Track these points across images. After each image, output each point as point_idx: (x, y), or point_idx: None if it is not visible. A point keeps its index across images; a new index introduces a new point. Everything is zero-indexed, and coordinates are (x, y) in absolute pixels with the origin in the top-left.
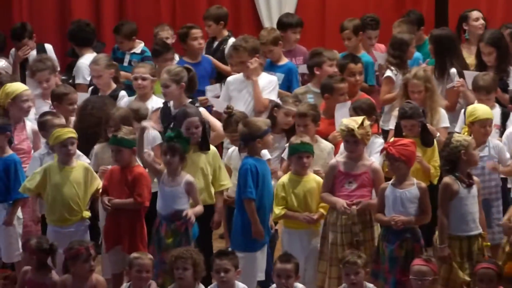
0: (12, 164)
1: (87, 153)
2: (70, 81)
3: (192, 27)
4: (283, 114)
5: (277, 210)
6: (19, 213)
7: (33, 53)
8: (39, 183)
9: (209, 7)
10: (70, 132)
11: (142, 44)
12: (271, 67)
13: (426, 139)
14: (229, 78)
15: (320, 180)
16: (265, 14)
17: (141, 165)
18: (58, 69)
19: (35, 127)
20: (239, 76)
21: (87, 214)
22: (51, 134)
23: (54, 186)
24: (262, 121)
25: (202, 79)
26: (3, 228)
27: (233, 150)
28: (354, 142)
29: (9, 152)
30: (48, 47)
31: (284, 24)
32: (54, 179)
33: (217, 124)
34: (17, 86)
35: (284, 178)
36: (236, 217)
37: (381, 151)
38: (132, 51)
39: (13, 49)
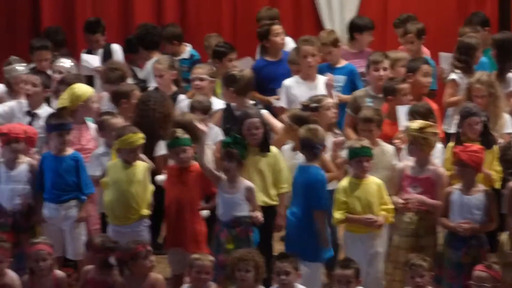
0: (78, 161)
1: (146, 148)
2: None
3: (272, 24)
4: (326, 110)
5: (338, 214)
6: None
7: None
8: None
9: (261, 9)
10: (141, 139)
11: (189, 48)
12: (329, 69)
13: (486, 140)
14: (287, 81)
15: (379, 182)
16: (326, 16)
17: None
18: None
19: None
20: (296, 78)
21: (147, 212)
22: (123, 138)
23: (116, 184)
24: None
25: (282, 77)
26: (71, 225)
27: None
28: (418, 147)
29: (72, 150)
30: (115, 47)
31: (359, 26)
32: (117, 177)
33: (279, 126)
34: (86, 88)
35: (344, 182)
36: (301, 227)
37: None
38: (180, 57)
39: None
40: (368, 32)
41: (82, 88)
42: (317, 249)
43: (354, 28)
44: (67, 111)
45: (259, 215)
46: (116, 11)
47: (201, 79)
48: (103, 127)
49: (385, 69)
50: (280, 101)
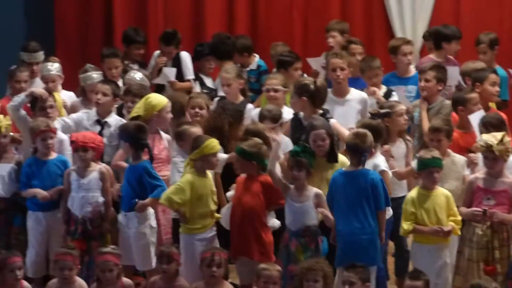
0: (143, 170)
1: None
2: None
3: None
4: (398, 116)
5: (406, 225)
6: (153, 222)
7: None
8: (188, 199)
9: (331, 20)
10: (218, 145)
11: (257, 58)
12: (399, 79)
13: None
14: None
15: (448, 193)
16: (398, 26)
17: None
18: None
19: (168, 136)
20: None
21: (218, 216)
22: (204, 145)
23: (199, 198)
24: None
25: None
26: (137, 237)
27: None
28: (493, 159)
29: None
30: (184, 54)
31: (447, 35)
32: (200, 191)
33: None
34: (161, 98)
35: (413, 193)
36: (367, 232)
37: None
38: (248, 68)
39: (156, 52)
40: (456, 41)
41: (157, 98)
42: (376, 252)
43: (442, 37)
44: (141, 120)
45: (330, 217)
46: (188, 22)
47: (276, 90)
48: (183, 137)
49: None
50: None
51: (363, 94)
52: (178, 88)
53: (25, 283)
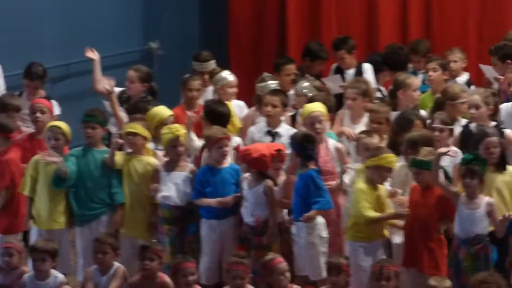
0: (309, 179)
1: None
2: None
3: None
4: None
5: None
6: (323, 232)
7: (350, 71)
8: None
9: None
10: (395, 162)
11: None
12: None
13: None
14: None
15: None
16: None
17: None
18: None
19: (338, 144)
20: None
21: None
22: (382, 156)
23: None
24: None
25: None
26: (306, 247)
27: None
28: None
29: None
30: (366, 66)
31: None
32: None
33: None
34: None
35: None
36: None
37: None
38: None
39: (334, 64)
40: None
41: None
42: None
43: None
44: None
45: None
46: (361, 30)
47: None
48: (358, 146)
49: None
50: None
51: None
52: None
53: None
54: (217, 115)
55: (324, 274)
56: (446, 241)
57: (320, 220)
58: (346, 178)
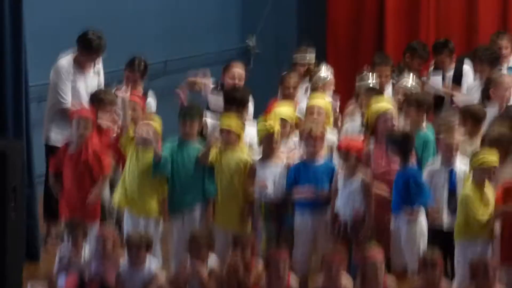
0: (410, 176)
1: None
2: None
3: None
4: None
5: None
6: (424, 226)
7: (449, 73)
8: None
9: None
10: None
11: None
12: None
13: None
14: None
15: None
16: None
17: None
18: None
19: None
20: None
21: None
22: (482, 157)
23: None
24: None
25: None
26: (406, 240)
27: None
28: None
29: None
30: (466, 68)
31: None
32: None
33: None
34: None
35: None
36: None
37: None
38: None
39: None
40: None
41: None
42: None
43: None
44: None
45: None
46: (460, 30)
47: None
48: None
49: None
50: None
51: None
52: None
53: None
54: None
55: None
56: None
57: (422, 213)
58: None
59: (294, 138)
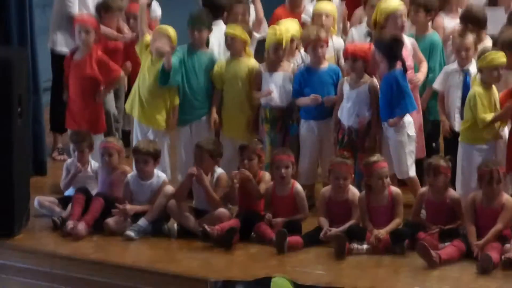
0: (393, 80)
1: None
2: None
3: None
4: None
5: None
6: (410, 130)
7: None
8: None
9: None
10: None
11: None
12: None
13: None
14: None
15: None
16: None
17: None
18: None
19: (413, 40)
20: None
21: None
22: (489, 55)
23: None
24: None
25: None
26: (395, 145)
27: None
28: None
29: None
30: None
31: None
32: None
33: None
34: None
35: None
36: None
37: None
38: None
39: None
40: None
41: None
42: None
43: None
44: None
45: None
46: None
47: None
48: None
49: None
50: None
51: None
52: None
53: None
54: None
55: (411, 173)
56: None
57: (408, 119)
58: (421, 75)
59: (300, 52)
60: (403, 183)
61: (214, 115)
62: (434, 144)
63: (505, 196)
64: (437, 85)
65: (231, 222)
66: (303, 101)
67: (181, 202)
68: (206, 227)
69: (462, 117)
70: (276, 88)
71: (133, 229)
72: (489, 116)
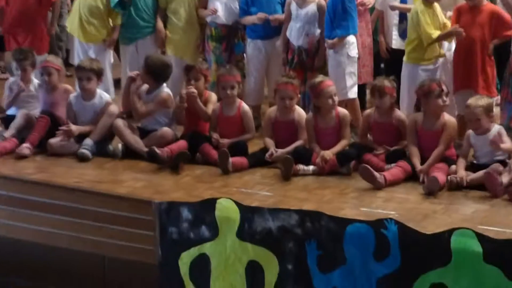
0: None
1: None
2: None
3: None
4: None
5: None
6: (352, 51)
7: None
8: None
9: None
10: None
11: None
12: None
13: None
14: None
15: None
16: None
17: None
18: None
19: None
20: None
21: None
22: None
23: None
24: None
25: None
26: (334, 65)
27: None
28: None
29: None
30: None
31: None
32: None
33: None
34: None
35: None
36: None
37: None
38: None
39: None
40: None
41: None
42: None
43: None
44: None
45: None
46: None
47: None
48: None
49: None
50: None
51: None
52: None
53: (244, 104)
54: None
55: (350, 94)
56: (494, 62)
57: (351, 39)
58: None
59: None
60: None
61: (163, 31)
62: (382, 65)
63: (446, 117)
64: (377, 4)
65: (179, 144)
66: (250, 19)
67: (128, 109)
68: (156, 149)
69: (399, 34)
70: (221, 6)
71: (86, 148)
72: (436, 33)
